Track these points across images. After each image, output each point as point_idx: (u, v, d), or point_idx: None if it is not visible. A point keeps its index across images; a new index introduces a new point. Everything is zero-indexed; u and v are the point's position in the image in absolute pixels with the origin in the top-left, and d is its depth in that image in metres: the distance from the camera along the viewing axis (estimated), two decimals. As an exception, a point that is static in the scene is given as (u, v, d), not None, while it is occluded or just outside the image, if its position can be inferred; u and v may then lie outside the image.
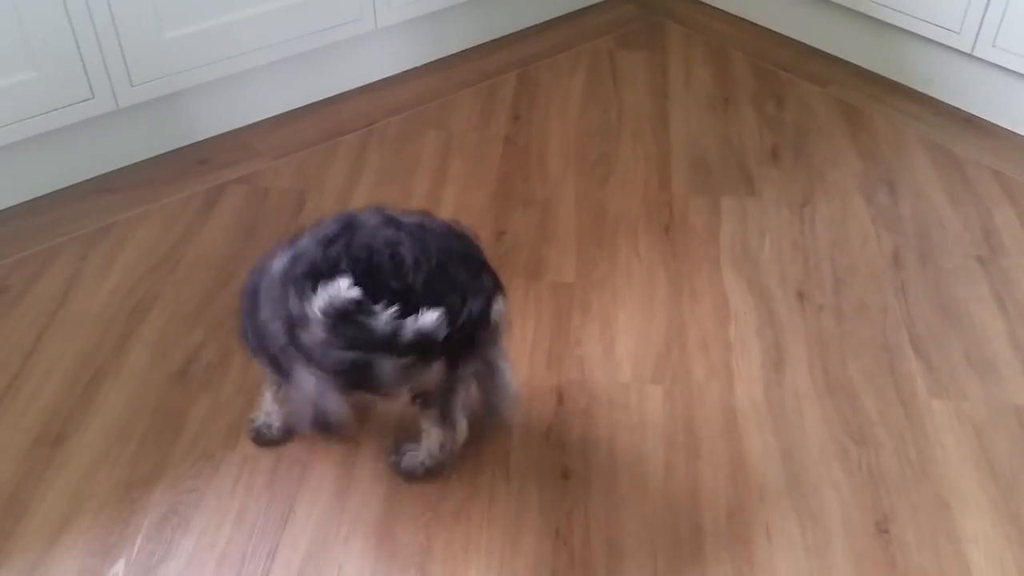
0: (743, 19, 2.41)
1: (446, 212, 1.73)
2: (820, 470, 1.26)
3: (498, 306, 1.11)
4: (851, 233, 1.69)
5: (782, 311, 1.52)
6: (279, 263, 1.07)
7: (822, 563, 1.15)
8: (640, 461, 1.27)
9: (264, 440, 1.28)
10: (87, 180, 1.80)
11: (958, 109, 2.05)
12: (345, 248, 1.04)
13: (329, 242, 1.05)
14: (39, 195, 1.75)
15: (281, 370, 1.10)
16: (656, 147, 1.92)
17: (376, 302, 0.99)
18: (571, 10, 2.44)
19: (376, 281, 1.01)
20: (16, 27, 1.54)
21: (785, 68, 2.21)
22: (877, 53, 2.16)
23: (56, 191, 1.77)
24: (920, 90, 2.11)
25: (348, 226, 1.08)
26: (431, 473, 1.24)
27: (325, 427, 1.05)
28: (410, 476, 1.24)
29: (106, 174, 1.82)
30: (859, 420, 1.33)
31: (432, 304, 1.01)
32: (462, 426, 1.21)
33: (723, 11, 2.45)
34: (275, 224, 1.70)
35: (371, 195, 1.78)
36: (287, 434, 1.29)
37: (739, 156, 1.90)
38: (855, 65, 2.21)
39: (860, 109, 2.06)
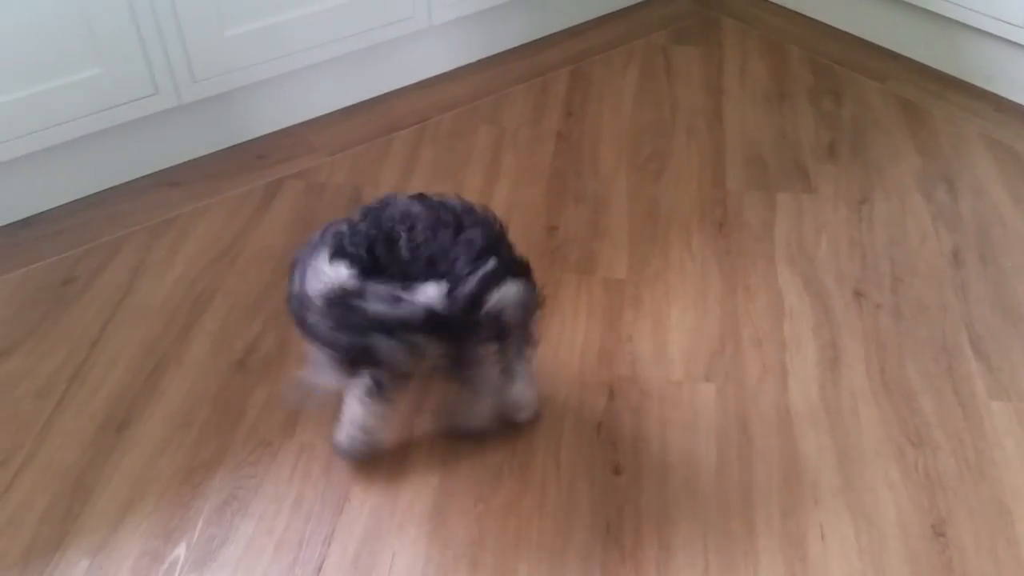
0: (799, 14, 2.38)
1: (498, 207, 1.74)
2: (876, 471, 1.24)
3: (510, 289, 1.08)
4: (910, 231, 1.66)
5: (838, 309, 1.50)
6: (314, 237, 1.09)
7: (876, 565, 1.13)
8: (692, 459, 1.27)
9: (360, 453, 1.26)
10: (151, 174, 1.85)
11: (1020, 105, 2.00)
12: (375, 221, 1.06)
13: (358, 221, 1.06)
14: (105, 188, 1.81)
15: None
16: (710, 143, 1.91)
17: (380, 274, 1.00)
18: (625, 6, 2.43)
19: (388, 254, 1.02)
20: (83, 25, 1.59)
21: (842, 63, 2.17)
22: (937, 48, 2.12)
23: (121, 184, 1.82)
24: (981, 86, 2.06)
25: (381, 205, 1.09)
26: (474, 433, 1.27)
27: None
28: (454, 431, 1.28)
29: (169, 168, 1.87)
30: (916, 421, 1.31)
31: (428, 279, 1.02)
32: (486, 403, 1.23)
33: (779, 6, 2.42)
34: (330, 218, 1.71)
35: (424, 190, 1.78)
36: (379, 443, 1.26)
37: (795, 152, 1.88)
38: (914, 60, 2.17)
39: (919, 105, 2.02)
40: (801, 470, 1.25)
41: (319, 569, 1.14)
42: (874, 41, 2.24)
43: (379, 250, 1.07)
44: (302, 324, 1.07)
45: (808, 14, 2.37)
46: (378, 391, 1.17)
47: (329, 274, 1.00)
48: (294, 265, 1.14)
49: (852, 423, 1.31)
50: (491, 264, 1.07)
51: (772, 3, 2.43)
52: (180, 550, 1.16)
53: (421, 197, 1.14)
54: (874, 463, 1.25)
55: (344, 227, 1.10)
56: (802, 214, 1.71)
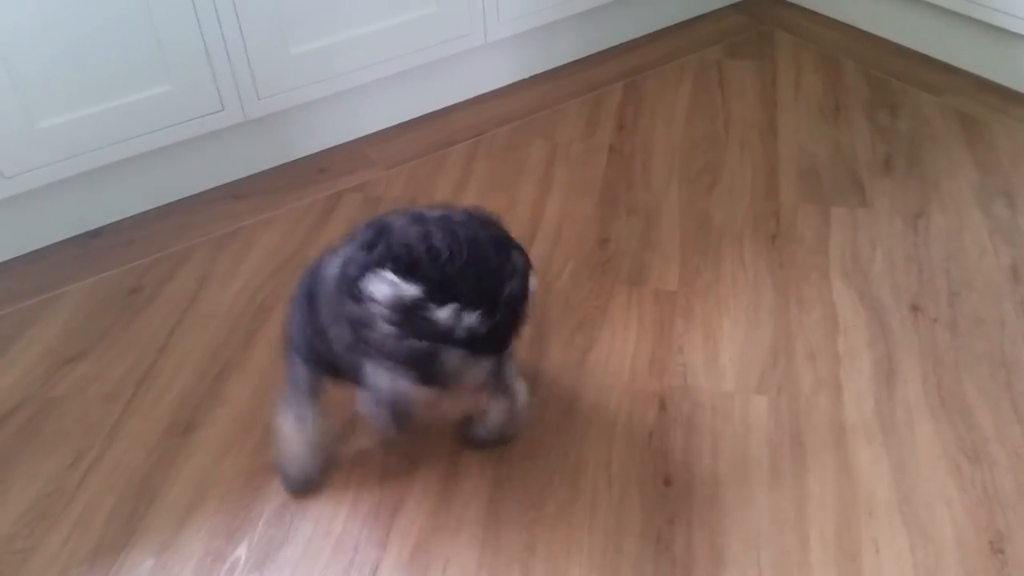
0: (855, 28, 2.37)
1: (551, 219, 1.77)
2: (932, 486, 1.23)
3: (533, 282, 1.11)
4: (967, 246, 1.64)
5: (894, 324, 1.49)
6: (331, 270, 1.11)
7: (933, 580, 1.12)
8: (744, 471, 1.27)
9: (300, 486, 1.26)
10: (217, 187, 1.91)
11: (1087, 118, 1.97)
12: (387, 249, 1.08)
13: (370, 246, 1.08)
14: (173, 200, 1.88)
15: (335, 372, 1.14)
16: (764, 156, 1.91)
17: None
18: (678, 21, 2.45)
19: (419, 275, 1.04)
20: (154, 43, 1.66)
21: (898, 77, 2.15)
22: (996, 61, 2.09)
23: (188, 197, 1.89)
24: (1045, 98, 2.03)
25: (382, 229, 1.10)
26: (503, 440, 1.30)
27: (402, 418, 1.08)
28: (481, 444, 1.30)
29: (234, 181, 1.93)
30: (973, 436, 1.29)
31: (470, 289, 1.04)
32: (522, 389, 1.25)
33: (834, 20, 2.41)
34: (387, 230, 1.77)
35: (478, 202, 1.83)
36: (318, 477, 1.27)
37: (850, 165, 1.87)
38: (972, 74, 2.14)
39: (977, 119, 1.99)
40: (855, 484, 1.24)
41: (374, 572, 1.17)
42: (931, 54, 2.22)
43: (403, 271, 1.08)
44: (357, 344, 1.08)
45: (863, 28, 2.35)
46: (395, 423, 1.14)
47: (402, 287, 1.02)
48: (305, 300, 1.15)
49: (907, 437, 1.30)
50: (519, 259, 1.09)
51: (827, 17, 2.42)
52: (241, 550, 1.20)
53: (414, 217, 1.14)
54: (930, 478, 1.24)
55: (360, 256, 1.10)
56: (857, 228, 1.70)
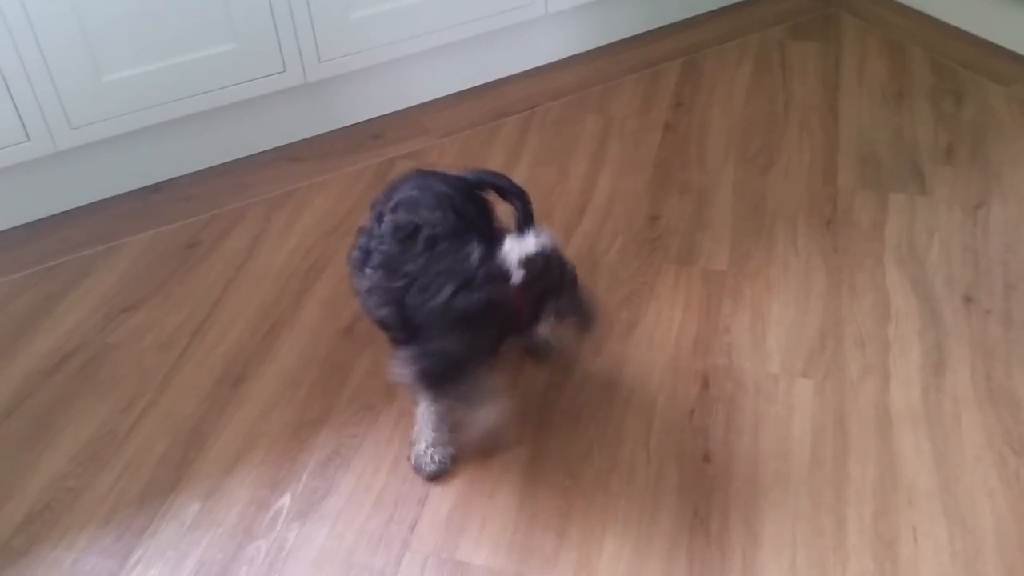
0: (923, 14, 2.31)
1: (601, 195, 1.77)
2: (975, 477, 1.21)
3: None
4: (1029, 239, 1.60)
5: (947, 314, 1.46)
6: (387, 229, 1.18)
7: (970, 571, 1.11)
8: (785, 452, 1.27)
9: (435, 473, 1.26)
10: (274, 148, 1.94)
11: None
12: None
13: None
14: (231, 159, 1.91)
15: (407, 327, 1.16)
16: (823, 139, 1.88)
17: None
18: (740, 0, 2.41)
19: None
20: (221, 2, 1.68)
21: (966, 65, 2.10)
22: (1074, 51, 2.03)
23: (246, 157, 1.92)
24: (1121, 92, 1.96)
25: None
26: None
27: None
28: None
29: (291, 144, 1.96)
30: (1021, 430, 1.27)
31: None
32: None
33: (903, 5, 2.35)
34: (439, 198, 1.78)
35: (529, 175, 1.84)
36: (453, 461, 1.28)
37: (911, 152, 1.83)
38: (1047, 63, 2.08)
39: (1049, 110, 1.94)
40: (897, 471, 1.23)
41: (413, 527, 1.19)
42: (1000, 43, 2.16)
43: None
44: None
45: (932, 14, 2.29)
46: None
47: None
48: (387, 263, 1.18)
49: (953, 428, 1.28)
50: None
51: (895, 2, 2.37)
52: (285, 500, 1.24)
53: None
54: (973, 469, 1.22)
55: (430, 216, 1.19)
56: (915, 216, 1.67)
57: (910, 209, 1.69)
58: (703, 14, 2.37)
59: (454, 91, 2.12)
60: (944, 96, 2.00)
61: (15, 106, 1.59)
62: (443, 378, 1.09)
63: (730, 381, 1.37)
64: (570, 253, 1.62)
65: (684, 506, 1.21)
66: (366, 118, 2.03)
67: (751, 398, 1.35)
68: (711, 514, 1.19)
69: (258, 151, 1.94)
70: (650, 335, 1.45)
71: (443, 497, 1.23)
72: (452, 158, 1.90)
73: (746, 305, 1.50)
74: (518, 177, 1.81)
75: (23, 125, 1.62)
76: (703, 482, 1.23)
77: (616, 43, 2.27)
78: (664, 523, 1.19)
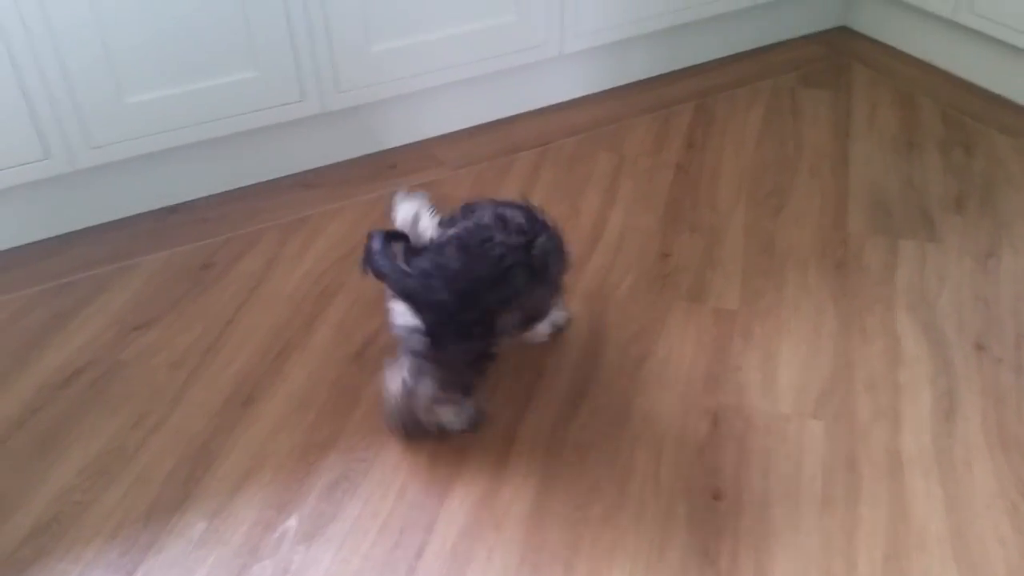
0: (934, 66, 2.35)
1: (612, 231, 1.78)
2: (986, 524, 1.21)
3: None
4: (1039, 289, 1.61)
5: (958, 360, 1.46)
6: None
7: (983, 619, 1.10)
8: (796, 493, 1.26)
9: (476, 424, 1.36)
10: (290, 175, 1.96)
11: None
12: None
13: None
14: (248, 184, 1.93)
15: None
16: (834, 184, 1.90)
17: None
18: (754, 47, 2.45)
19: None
20: (244, 30, 1.71)
21: (975, 117, 2.13)
22: (1082, 107, 2.05)
23: (262, 182, 1.94)
24: None
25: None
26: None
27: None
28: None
29: (307, 171, 1.98)
30: (1035, 479, 1.27)
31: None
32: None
33: (914, 57, 2.39)
34: (452, 229, 1.80)
35: (541, 209, 1.84)
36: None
37: (921, 201, 1.85)
38: (1055, 118, 2.11)
39: (1058, 164, 1.96)
40: (909, 515, 1.22)
41: (419, 555, 1.18)
42: (1009, 96, 2.19)
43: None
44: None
45: (942, 66, 2.33)
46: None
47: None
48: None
49: (964, 474, 1.28)
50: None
51: (906, 53, 2.41)
52: (291, 522, 1.23)
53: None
54: (984, 516, 1.22)
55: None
56: (925, 262, 1.68)
57: (920, 256, 1.70)
58: (716, 60, 2.40)
59: (469, 125, 2.14)
60: (954, 147, 2.02)
61: (35, 123, 1.61)
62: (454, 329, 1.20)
63: (740, 420, 1.37)
64: (581, 288, 1.63)
65: (693, 543, 1.20)
66: (381, 148, 2.06)
67: (761, 437, 1.34)
68: (721, 553, 1.19)
69: (274, 177, 1.95)
70: (660, 371, 1.46)
71: (450, 525, 1.22)
72: (466, 190, 1.92)
73: (757, 344, 1.51)
74: (532, 211, 1.84)
75: (42, 143, 1.64)
76: (713, 520, 1.23)
77: (630, 84, 2.30)
78: (673, 560, 1.18)
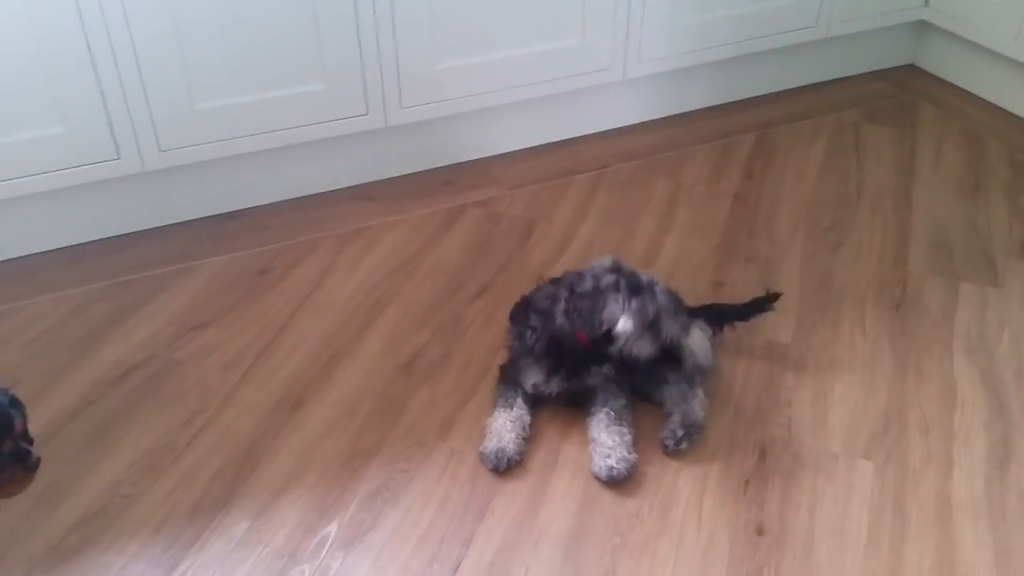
0: (1004, 109, 2.30)
1: (666, 257, 1.77)
2: (1041, 579, 1.17)
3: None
4: (1106, 340, 1.56)
5: (1015, 407, 1.42)
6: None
7: (1033, 676, 1.06)
8: (841, 532, 1.23)
9: (505, 466, 1.32)
10: (349, 187, 2.00)
11: None
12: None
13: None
14: (308, 194, 1.97)
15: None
16: (895, 223, 1.87)
17: None
18: (819, 80, 2.43)
19: None
20: (315, 43, 1.75)
21: (1047, 161, 2.08)
22: None
23: (322, 192, 1.98)
24: None
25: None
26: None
27: None
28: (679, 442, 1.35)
29: (366, 184, 2.01)
30: (1094, 535, 1.22)
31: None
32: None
33: (982, 99, 2.34)
34: (504, 247, 1.81)
35: (595, 232, 1.85)
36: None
37: (985, 244, 1.81)
38: None
39: None
40: (955, 562, 1.19)
41: (456, 569, 1.18)
42: (1085, 142, 2.14)
43: None
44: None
45: (1012, 110, 2.28)
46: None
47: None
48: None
49: (1017, 524, 1.24)
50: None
51: (974, 95, 2.36)
52: (332, 527, 1.24)
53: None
54: (1040, 570, 1.18)
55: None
56: (986, 307, 1.64)
57: (981, 299, 1.66)
58: (779, 92, 2.39)
59: (527, 146, 2.16)
60: (1021, 191, 1.98)
61: (110, 125, 1.67)
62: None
63: (788, 455, 1.35)
64: (632, 312, 1.62)
65: (733, 576, 1.18)
66: (440, 165, 2.08)
67: (810, 474, 1.32)
68: (761, 587, 1.17)
69: (334, 188, 1.99)
70: (709, 401, 1.44)
71: (488, 541, 1.22)
72: (521, 209, 1.93)
73: (809, 380, 1.48)
74: (585, 233, 1.85)
75: (115, 143, 1.69)
76: (755, 554, 1.21)
77: (691, 112, 2.29)
78: (711, 592, 1.16)
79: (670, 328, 1.33)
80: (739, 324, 1.52)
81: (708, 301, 1.60)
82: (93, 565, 1.19)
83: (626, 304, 1.29)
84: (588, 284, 1.32)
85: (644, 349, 1.32)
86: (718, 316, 1.50)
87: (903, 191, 1.98)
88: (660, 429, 1.36)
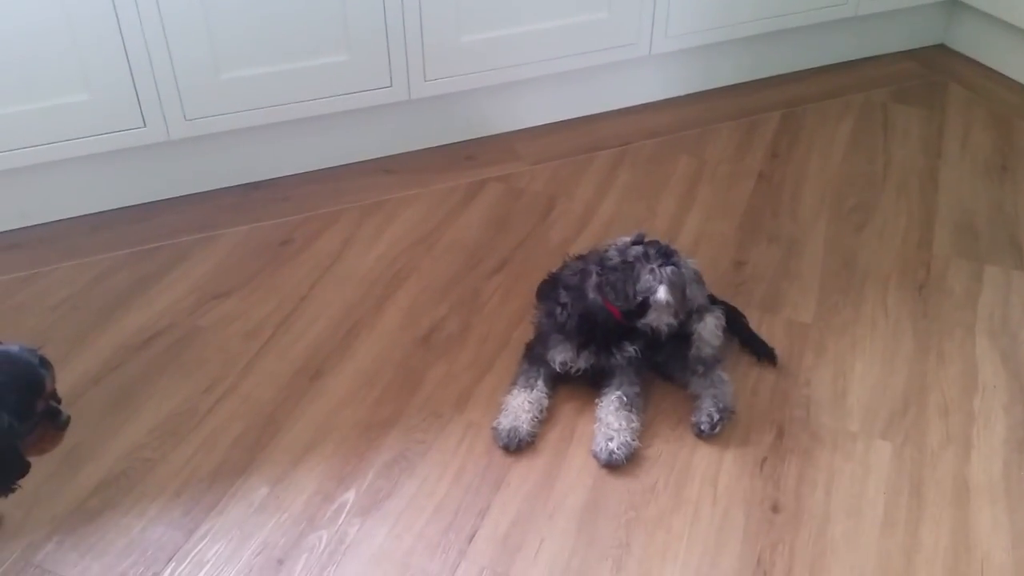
0: (1036, 89, 2.26)
1: (687, 236, 1.76)
2: (1059, 563, 1.16)
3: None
4: None
5: (1038, 392, 1.41)
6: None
7: (1047, 659, 1.06)
8: (857, 511, 1.23)
9: (516, 446, 1.32)
10: (371, 160, 2.00)
11: None
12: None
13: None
14: (330, 166, 1.97)
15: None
16: (921, 204, 1.85)
17: None
18: (847, 59, 2.40)
19: None
20: (340, 13, 1.75)
21: (1078, 144, 2.05)
22: None
23: (344, 164, 1.98)
24: None
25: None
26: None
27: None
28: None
29: (387, 156, 2.01)
30: (1114, 521, 1.21)
31: None
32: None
33: (1014, 80, 2.30)
34: (524, 222, 1.81)
35: (616, 210, 1.85)
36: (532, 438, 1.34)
37: (1011, 227, 1.78)
38: None
39: None
40: (971, 543, 1.18)
41: (471, 538, 1.19)
42: (1118, 126, 2.10)
43: None
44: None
45: (1045, 90, 2.25)
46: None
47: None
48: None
49: (1038, 509, 1.23)
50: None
51: (1005, 76, 2.32)
52: (350, 495, 1.25)
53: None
54: (1058, 554, 1.17)
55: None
56: (1010, 290, 1.62)
57: (1006, 283, 1.64)
58: (806, 70, 2.36)
59: (550, 121, 2.15)
60: (1051, 173, 1.95)
61: (137, 93, 1.68)
62: None
63: (806, 434, 1.35)
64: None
65: (748, 554, 1.18)
66: (462, 139, 2.08)
67: (827, 453, 1.32)
68: (775, 564, 1.17)
69: (356, 160, 1.99)
70: (727, 376, 1.44)
71: (503, 512, 1.23)
72: (542, 185, 1.92)
73: (829, 360, 1.47)
74: (606, 210, 1.84)
75: (141, 112, 1.70)
76: (770, 531, 1.21)
77: (716, 90, 2.27)
78: (726, 568, 1.16)
79: (697, 294, 1.32)
80: (737, 338, 1.50)
81: (730, 282, 1.59)
82: (114, 527, 1.21)
83: (660, 273, 1.28)
84: (616, 258, 1.31)
85: (673, 317, 1.32)
86: (730, 318, 1.47)
87: (929, 172, 1.95)
88: (693, 412, 1.36)
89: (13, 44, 1.57)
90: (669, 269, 1.28)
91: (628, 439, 1.30)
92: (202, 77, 1.71)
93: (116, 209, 1.83)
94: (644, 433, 1.34)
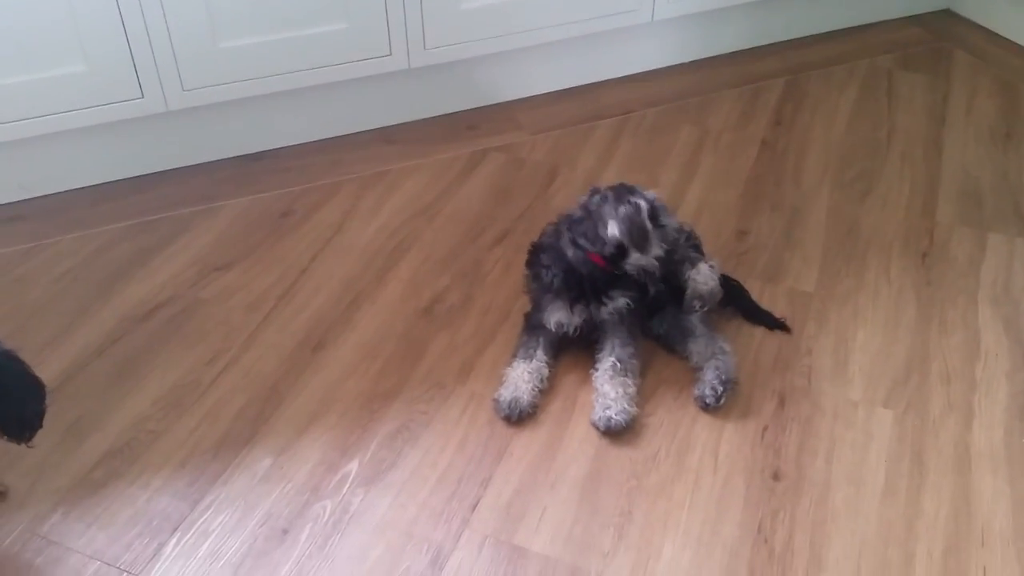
0: (1042, 54, 2.24)
1: (690, 205, 1.76)
2: (1058, 529, 1.17)
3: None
4: None
5: (1040, 360, 1.41)
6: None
7: (1045, 624, 1.07)
8: (858, 480, 1.24)
9: (517, 416, 1.33)
10: (372, 130, 1.99)
11: None
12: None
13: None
14: (331, 136, 1.96)
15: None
16: (925, 171, 1.84)
17: None
18: (851, 25, 2.37)
19: None
20: (338, -16, 1.73)
21: (1085, 110, 2.03)
22: None
23: (344, 135, 1.97)
24: None
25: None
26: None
27: None
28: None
29: (388, 127, 2.00)
30: (1114, 488, 1.22)
31: None
32: None
33: (1021, 46, 2.28)
34: (526, 192, 1.80)
35: (618, 178, 1.78)
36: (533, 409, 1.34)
37: (1015, 194, 1.77)
38: None
39: None
40: (972, 511, 1.19)
41: (474, 507, 1.20)
42: (1125, 91, 2.08)
43: None
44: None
45: (1052, 55, 2.22)
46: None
47: None
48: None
49: (1038, 476, 1.24)
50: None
51: (1011, 41, 2.30)
52: (353, 465, 1.26)
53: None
54: (1057, 521, 1.18)
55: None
56: (1013, 257, 1.62)
57: (1009, 251, 1.63)
58: (811, 36, 2.33)
59: (551, 90, 2.13)
60: (1056, 140, 1.93)
61: (134, 64, 1.66)
62: None
63: (807, 402, 1.35)
64: (654, 259, 1.61)
65: (749, 522, 1.19)
66: (462, 108, 2.06)
67: (828, 422, 1.32)
68: (776, 532, 1.17)
69: (356, 131, 1.98)
70: (729, 347, 1.44)
71: (506, 481, 1.24)
72: (543, 155, 1.91)
73: (831, 329, 1.47)
74: (607, 180, 1.82)
75: (139, 83, 1.69)
76: (771, 500, 1.21)
77: (719, 56, 2.25)
78: (726, 536, 1.17)
79: (671, 222, 1.34)
80: (741, 313, 1.50)
81: (732, 251, 1.59)
82: (119, 497, 1.22)
83: (615, 212, 1.31)
84: (579, 212, 1.34)
85: (653, 251, 1.33)
86: (733, 291, 1.48)
87: (933, 139, 1.94)
88: (695, 385, 1.35)
89: (9, 15, 1.56)
90: (622, 207, 1.31)
91: (625, 405, 1.30)
92: (200, 46, 1.69)
93: (117, 181, 1.82)
94: (645, 402, 1.34)
